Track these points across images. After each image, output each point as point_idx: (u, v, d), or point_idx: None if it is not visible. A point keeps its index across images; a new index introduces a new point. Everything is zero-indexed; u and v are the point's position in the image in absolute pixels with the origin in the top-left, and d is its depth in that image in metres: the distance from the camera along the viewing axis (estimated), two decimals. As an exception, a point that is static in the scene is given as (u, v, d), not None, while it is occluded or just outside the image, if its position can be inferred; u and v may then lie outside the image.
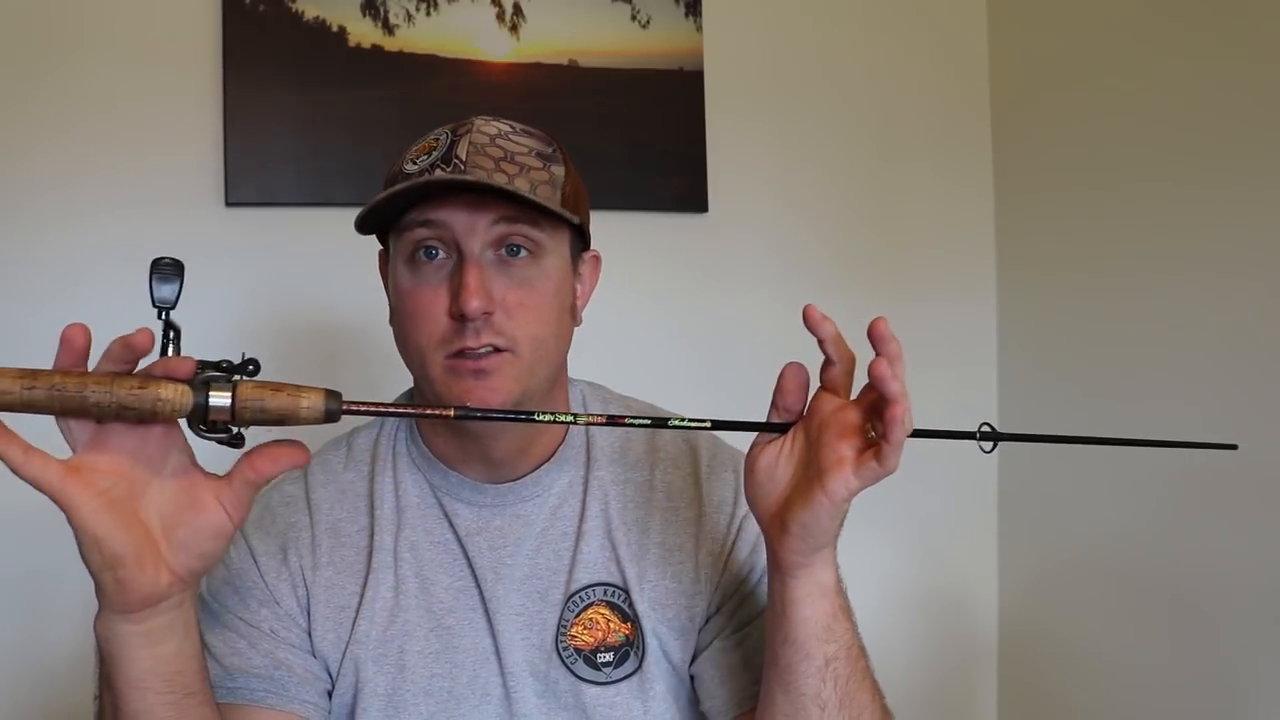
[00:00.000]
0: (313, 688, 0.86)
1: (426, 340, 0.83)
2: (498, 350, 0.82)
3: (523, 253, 0.83)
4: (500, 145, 0.84)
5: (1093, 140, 1.63)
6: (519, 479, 0.91)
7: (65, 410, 0.61)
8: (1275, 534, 1.32)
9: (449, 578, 0.90)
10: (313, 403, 0.63)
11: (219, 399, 0.62)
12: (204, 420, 0.63)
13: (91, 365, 0.64)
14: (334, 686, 0.88)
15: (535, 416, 0.71)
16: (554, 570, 0.90)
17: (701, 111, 1.70)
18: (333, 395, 0.64)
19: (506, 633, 0.88)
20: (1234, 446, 0.88)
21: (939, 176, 1.85)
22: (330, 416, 0.64)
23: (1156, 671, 1.51)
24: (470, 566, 0.90)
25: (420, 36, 1.57)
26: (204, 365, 0.64)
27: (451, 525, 0.91)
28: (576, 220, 0.86)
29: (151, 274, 0.67)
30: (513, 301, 0.82)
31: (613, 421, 0.75)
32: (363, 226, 0.86)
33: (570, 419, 0.73)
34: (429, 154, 0.84)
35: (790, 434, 0.75)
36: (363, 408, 0.65)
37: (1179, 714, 1.47)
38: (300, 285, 1.55)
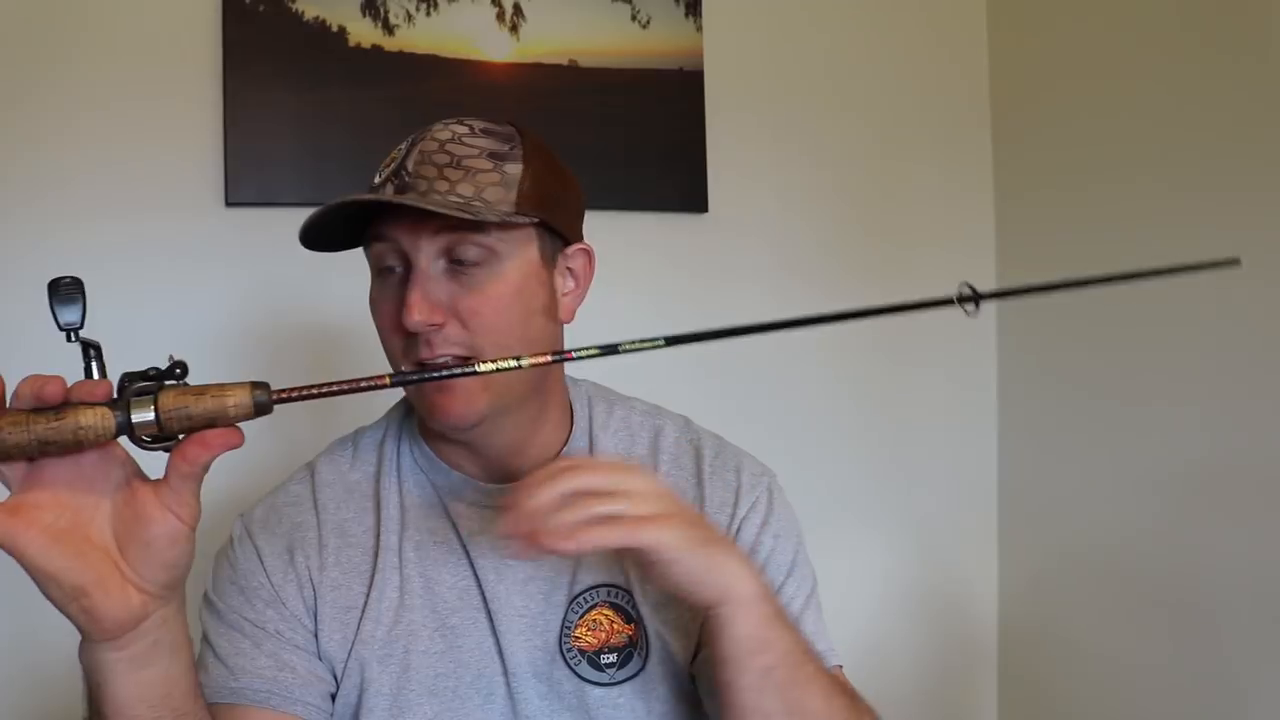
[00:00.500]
0: (316, 690, 0.86)
1: (393, 352, 0.85)
2: (461, 359, 0.82)
3: (473, 258, 0.83)
4: (449, 150, 0.84)
5: (1093, 140, 1.63)
6: (521, 479, 0.91)
7: None
8: (1275, 533, 1.32)
9: (452, 577, 0.90)
10: (239, 400, 0.60)
11: (141, 415, 0.59)
12: (132, 438, 0.60)
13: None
14: (338, 687, 0.88)
15: (476, 368, 0.68)
16: (557, 571, 0.90)
17: (701, 111, 1.69)
18: (260, 387, 0.61)
19: (509, 633, 0.88)
20: (1236, 262, 0.87)
21: (939, 176, 1.85)
22: (260, 410, 0.61)
23: (1156, 671, 1.51)
24: (472, 567, 0.90)
25: (420, 36, 1.57)
26: (131, 376, 0.61)
27: (454, 525, 0.91)
28: (533, 221, 0.85)
29: (51, 297, 0.63)
30: (466, 310, 0.82)
31: (559, 357, 0.72)
32: (333, 245, 0.88)
33: (514, 365, 0.69)
34: (390, 165, 0.85)
35: None
36: (293, 394, 0.62)
37: (1179, 713, 1.47)
38: (300, 285, 1.55)
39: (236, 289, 1.52)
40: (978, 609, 1.87)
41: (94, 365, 0.63)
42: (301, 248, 1.66)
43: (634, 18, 1.66)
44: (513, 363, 0.69)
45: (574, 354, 0.70)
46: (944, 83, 1.85)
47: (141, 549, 0.63)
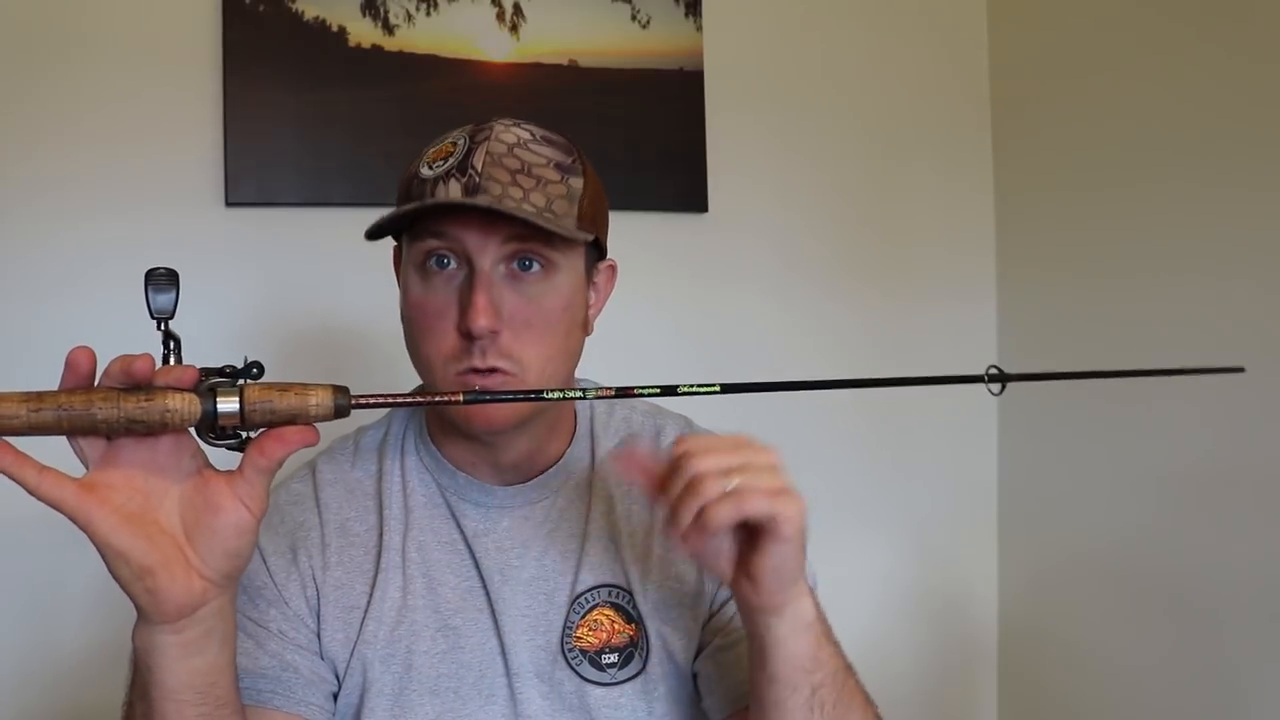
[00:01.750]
0: (318, 689, 0.86)
1: (435, 353, 0.83)
2: (500, 373, 0.81)
3: (535, 267, 0.82)
4: (518, 155, 0.82)
5: (1093, 140, 1.63)
6: (526, 482, 0.92)
7: (73, 429, 0.61)
8: (1275, 533, 1.32)
9: (456, 578, 0.90)
10: (321, 399, 0.63)
11: (227, 404, 0.62)
12: (213, 428, 0.63)
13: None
14: (340, 687, 0.88)
15: (545, 395, 0.70)
16: (559, 572, 0.90)
17: (701, 111, 1.69)
18: (341, 391, 0.64)
19: (512, 634, 0.88)
20: (1240, 369, 0.89)
21: (939, 176, 1.85)
22: (340, 412, 0.64)
23: (1156, 670, 1.51)
24: (477, 567, 0.90)
25: (420, 37, 1.57)
26: (207, 372, 0.64)
27: (459, 526, 0.91)
28: (592, 238, 0.85)
29: (147, 285, 0.66)
30: (520, 320, 0.82)
31: (623, 393, 0.70)
32: (373, 233, 0.85)
33: (579, 395, 0.70)
34: (445, 159, 0.82)
35: None
36: (373, 400, 0.65)
37: (1179, 713, 1.47)
38: (300, 285, 1.55)
39: (236, 289, 1.52)
40: (978, 609, 1.87)
41: (173, 358, 0.66)
42: (302, 248, 1.67)
43: (634, 18, 1.66)
44: (578, 393, 0.70)
45: (636, 390, 0.70)
46: (944, 83, 1.85)
47: (209, 537, 0.65)
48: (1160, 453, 1.50)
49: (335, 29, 1.54)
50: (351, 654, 0.87)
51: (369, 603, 0.88)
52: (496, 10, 1.61)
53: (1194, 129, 1.44)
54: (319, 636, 0.88)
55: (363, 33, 1.55)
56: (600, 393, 0.70)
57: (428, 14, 1.58)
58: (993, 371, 0.74)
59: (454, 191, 0.80)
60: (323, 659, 0.88)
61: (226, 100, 1.50)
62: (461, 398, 0.69)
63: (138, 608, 0.66)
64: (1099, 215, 1.62)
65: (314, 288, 1.55)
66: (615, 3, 1.66)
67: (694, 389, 0.70)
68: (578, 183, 0.84)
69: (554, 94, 1.63)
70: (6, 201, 1.44)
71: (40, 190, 1.45)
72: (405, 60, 1.57)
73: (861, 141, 1.81)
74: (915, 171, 1.84)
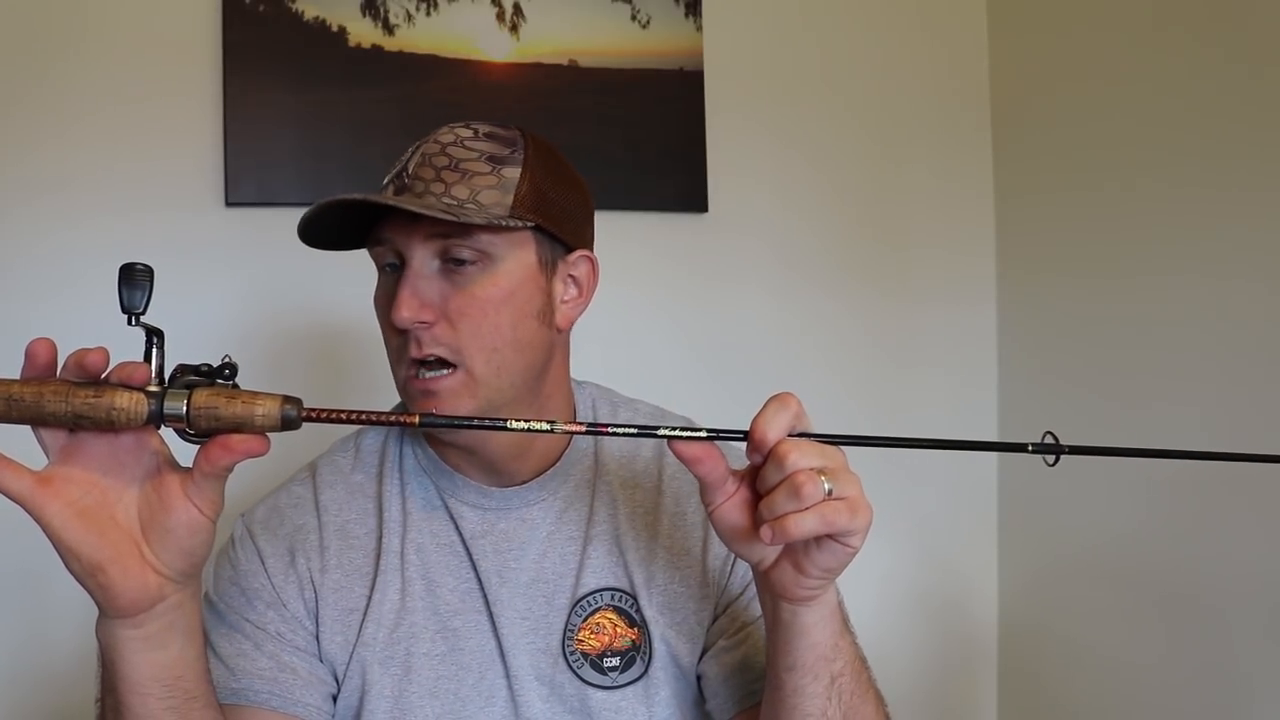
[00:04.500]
0: (316, 691, 0.86)
1: (390, 351, 0.87)
2: (444, 363, 0.83)
3: (465, 259, 0.83)
4: (449, 153, 0.85)
5: (1093, 141, 1.63)
6: (524, 483, 0.92)
7: (22, 419, 0.61)
8: (1274, 532, 1.32)
9: (454, 580, 0.90)
10: (268, 410, 0.62)
11: (173, 407, 0.61)
12: (158, 426, 0.63)
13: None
14: (339, 689, 0.88)
15: (507, 425, 0.67)
16: (560, 574, 0.90)
17: (701, 111, 1.69)
18: (291, 401, 0.63)
19: (511, 636, 0.88)
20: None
21: (939, 177, 1.85)
22: (288, 424, 0.62)
23: (1156, 669, 1.51)
24: (475, 569, 0.90)
25: (420, 37, 1.57)
26: (185, 368, 0.64)
27: (457, 528, 0.91)
28: (527, 225, 0.84)
29: (120, 280, 0.65)
30: (455, 310, 0.83)
31: (593, 430, 0.70)
32: (343, 244, 0.89)
33: (545, 428, 0.66)
34: (395, 167, 0.87)
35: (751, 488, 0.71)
36: (322, 415, 0.64)
37: (1179, 712, 1.47)
38: (300, 285, 1.55)
39: (236, 289, 1.52)
40: (978, 608, 1.87)
41: (154, 351, 0.65)
42: (301, 247, 1.66)
43: (634, 18, 1.66)
44: (545, 426, 0.67)
45: (610, 429, 0.69)
46: (944, 83, 1.85)
47: (163, 534, 0.65)
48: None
49: (335, 29, 1.54)
50: (350, 656, 0.87)
51: (368, 605, 0.88)
52: (496, 10, 1.61)
53: (1194, 129, 1.44)
54: (317, 639, 0.88)
55: (363, 33, 1.55)
56: (569, 428, 0.69)
57: (428, 14, 1.58)
58: (1048, 441, 0.70)
59: (388, 193, 0.85)
60: (321, 661, 0.88)
61: (226, 100, 1.50)
62: (418, 419, 0.67)
63: (95, 602, 0.66)
64: (1099, 216, 1.62)
65: (313, 288, 1.55)
66: (615, 3, 1.66)
67: (677, 431, 0.68)
68: (513, 172, 0.85)
69: (554, 94, 1.63)
70: (6, 201, 1.44)
71: (40, 190, 1.45)
72: (405, 60, 1.57)
73: (861, 142, 1.81)
74: (915, 172, 1.84)
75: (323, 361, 1.55)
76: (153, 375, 0.63)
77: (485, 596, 0.89)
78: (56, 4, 1.46)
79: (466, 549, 0.90)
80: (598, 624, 0.89)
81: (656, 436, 0.69)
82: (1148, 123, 1.52)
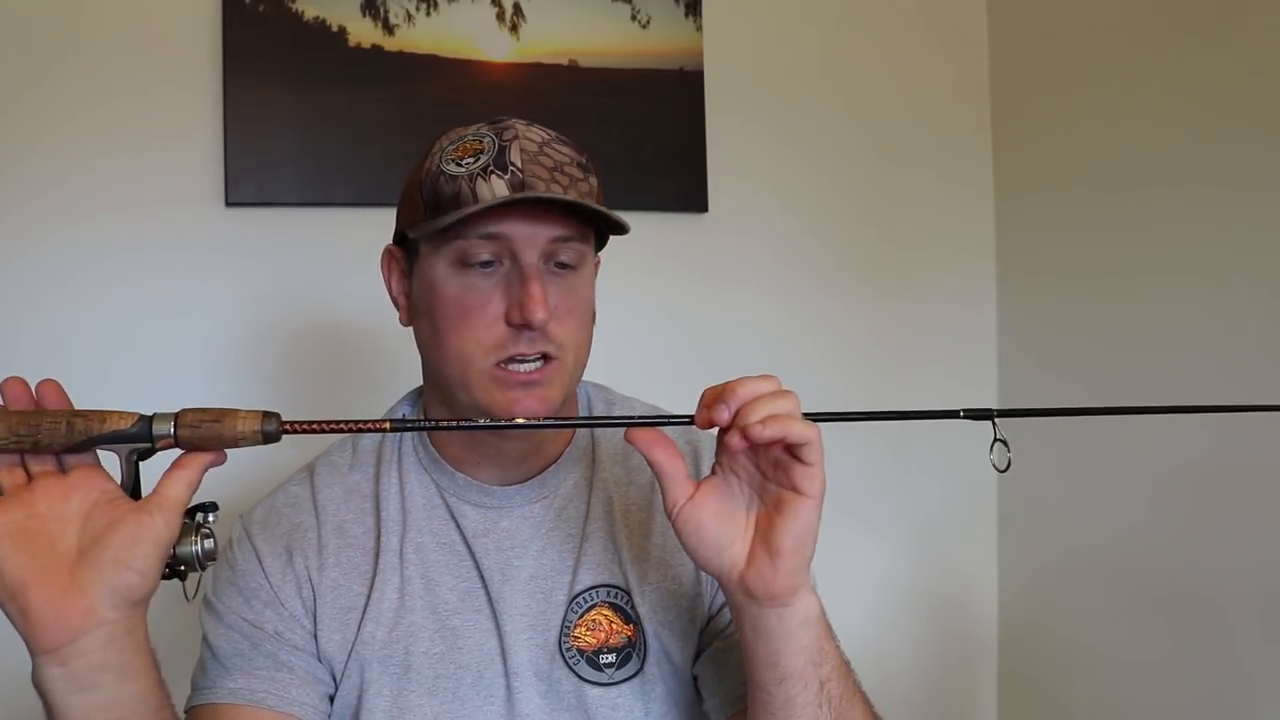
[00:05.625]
0: (314, 690, 0.86)
1: (475, 346, 0.83)
2: (547, 358, 0.83)
3: (571, 260, 0.85)
4: (548, 154, 0.84)
5: (1092, 141, 1.63)
6: (526, 481, 0.92)
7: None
8: (1274, 531, 1.32)
9: (455, 579, 0.90)
10: (249, 426, 0.66)
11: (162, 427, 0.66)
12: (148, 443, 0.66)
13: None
14: (337, 688, 0.88)
15: (479, 424, 0.72)
16: (558, 571, 0.91)
17: (701, 111, 1.70)
18: (270, 417, 0.66)
19: (512, 633, 0.88)
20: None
21: (939, 177, 1.85)
22: (269, 438, 0.66)
23: (1156, 668, 1.51)
24: (478, 568, 0.90)
25: (420, 37, 1.57)
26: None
27: (458, 527, 0.91)
28: (628, 229, 0.87)
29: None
30: (563, 309, 0.84)
31: (560, 422, 0.74)
32: (418, 234, 0.85)
33: (510, 424, 0.73)
34: (474, 156, 0.83)
35: (714, 486, 0.74)
36: (302, 427, 0.67)
37: (1179, 711, 1.47)
38: (300, 285, 1.55)
39: (236, 289, 1.52)
40: (978, 607, 1.87)
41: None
42: (302, 248, 1.67)
43: (634, 18, 1.66)
44: (521, 422, 0.76)
45: (568, 421, 0.77)
46: (944, 84, 1.85)
47: (101, 548, 0.64)
48: (1159, 451, 1.50)
49: (335, 29, 1.54)
50: (349, 655, 0.87)
51: (367, 604, 0.88)
52: (496, 10, 1.61)
53: (1194, 130, 1.44)
54: (315, 638, 0.88)
55: (363, 33, 1.55)
56: (557, 421, 0.75)
57: (428, 14, 1.58)
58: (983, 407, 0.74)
59: (499, 187, 0.81)
60: (319, 660, 0.88)
61: (226, 100, 1.50)
62: (389, 426, 0.70)
63: (20, 635, 0.64)
64: (1099, 216, 1.62)
65: (314, 288, 1.55)
66: (615, 3, 1.66)
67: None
68: (595, 181, 0.87)
69: (554, 94, 1.63)
70: (6, 201, 1.44)
71: (40, 190, 1.45)
72: (405, 60, 1.57)
73: (861, 142, 1.81)
74: (915, 172, 1.84)
75: (323, 362, 1.56)
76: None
77: (488, 594, 0.89)
78: (56, 4, 1.46)
79: (468, 547, 0.90)
80: (594, 620, 0.89)
81: (611, 425, 0.72)
82: (1148, 123, 1.52)
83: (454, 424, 0.74)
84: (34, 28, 1.45)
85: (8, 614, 0.63)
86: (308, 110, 1.53)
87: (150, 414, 0.66)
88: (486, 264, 0.83)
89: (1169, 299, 1.49)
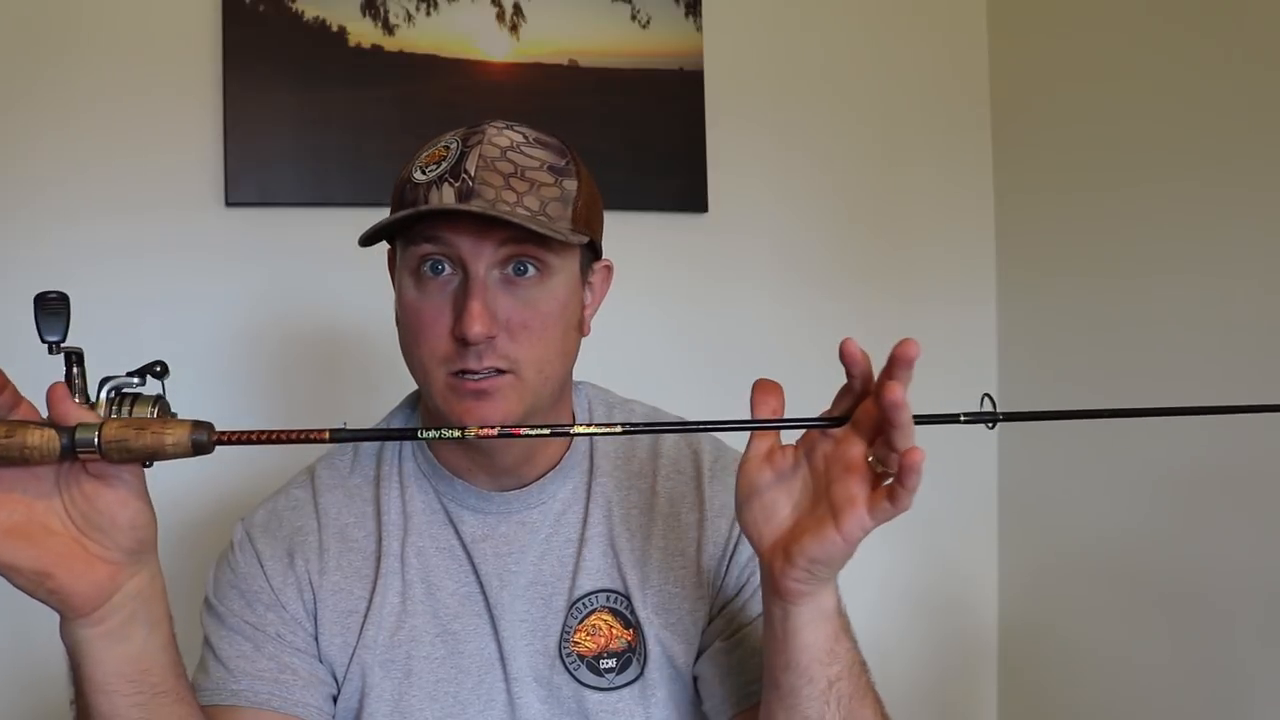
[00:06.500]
0: (317, 692, 0.86)
1: (429, 356, 0.82)
2: (500, 372, 0.81)
3: (530, 271, 0.82)
4: (511, 159, 0.82)
5: (1092, 141, 1.63)
6: (524, 487, 0.92)
7: None
8: (1273, 532, 1.32)
9: (454, 584, 0.90)
10: (178, 438, 0.62)
11: (85, 440, 0.61)
12: (72, 459, 0.62)
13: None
14: (339, 691, 0.88)
15: (441, 434, 0.68)
16: (558, 577, 0.90)
17: (701, 111, 1.69)
18: (200, 427, 0.62)
19: (511, 639, 0.88)
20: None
21: (939, 176, 1.85)
22: (199, 449, 0.62)
23: (1156, 669, 1.51)
24: (476, 573, 0.90)
25: (420, 36, 1.57)
26: (108, 380, 0.64)
27: (457, 532, 0.91)
28: (587, 240, 0.84)
29: (36, 310, 0.65)
30: (516, 323, 0.81)
31: (505, 433, 0.71)
32: (366, 239, 0.84)
33: (459, 434, 0.69)
34: (438, 163, 0.82)
35: (788, 459, 0.73)
36: (236, 438, 0.64)
37: (1179, 711, 1.47)
38: (300, 286, 1.55)
39: (236, 289, 1.52)
40: (978, 607, 1.87)
41: (75, 370, 0.66)
42: (302, 248, 1.67)
43: (634, 18, 1.66)
44: (459, 432, 0.70)
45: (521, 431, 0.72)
46: (944, 83, 1.85)
47: (98, 519, 0.64)
48: (1159, 452, 1.50)
49: (335, 29, 1.54)
50: (351, 658, 0.87)
51: (368, 608, 0.88)
52: (496, 10, 1.61)
53: (1194, 129, 1.44)
54: (317, 640, 0.88)
55: (363, 33, 1.55)
56: (533, 431, 0.72)
57: (428, 14, 1.58)
58: (986, 409, 0.73)
59: (447, 196, 0.79)
60: (321, 662, 0.88)
61: (226, 100, 1.50)
62: (327, 436, 0.66)
63: (54, 610, 0.65)
64: (1099, 215, 1.62)
65: (314, 288, 1.55)
66: (615, 3, 1.65)
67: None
68: (571, 185, 0.84)
69: (554, 94, 1.63)
70: (6, 201, 1.44)
71: (40, 190, 1.45)
72: (405, 60, 1.57)
73: (861, 142, 1.81)
74: (915, 172, 1.84)
75: (323, 362, 1.56)
76: (75, 396, 0.62)
77: (486, 600, 0.89)
78: (56, 4, 1.46)
79: (467, 553, 0.90)
80: (594, 626, 0.89)
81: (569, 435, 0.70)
82: (1148, 122, 1.52)
83: (403, 435, 0.68)
84: (34, 28, 1.45)
85: (39, 598, 0.64)
86: (308, 110, 1.53)
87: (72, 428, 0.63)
88: (438, 269, 0.81)
89: (1169, 299, 1.49)
